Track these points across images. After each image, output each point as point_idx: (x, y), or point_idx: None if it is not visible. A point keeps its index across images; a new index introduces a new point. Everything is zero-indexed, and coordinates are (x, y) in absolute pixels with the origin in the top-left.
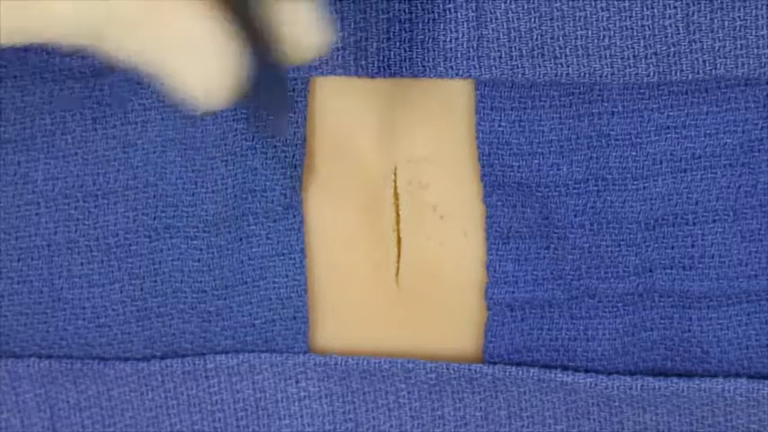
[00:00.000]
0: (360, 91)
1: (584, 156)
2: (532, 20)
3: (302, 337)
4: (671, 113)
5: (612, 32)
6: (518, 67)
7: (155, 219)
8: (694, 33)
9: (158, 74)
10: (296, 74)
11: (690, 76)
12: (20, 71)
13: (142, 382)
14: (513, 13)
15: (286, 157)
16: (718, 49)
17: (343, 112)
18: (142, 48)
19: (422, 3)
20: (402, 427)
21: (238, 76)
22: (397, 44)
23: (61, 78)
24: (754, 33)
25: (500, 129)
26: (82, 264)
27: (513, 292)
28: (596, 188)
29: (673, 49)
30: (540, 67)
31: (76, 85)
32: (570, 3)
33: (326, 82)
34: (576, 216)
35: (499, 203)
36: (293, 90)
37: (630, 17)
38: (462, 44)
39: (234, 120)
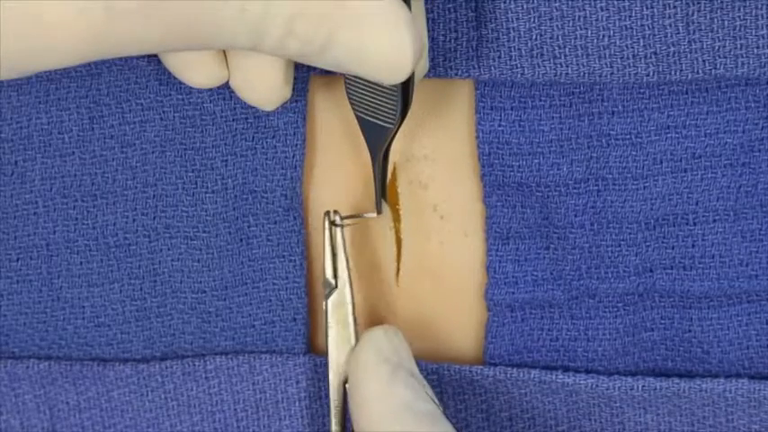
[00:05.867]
0: None
1: (584, 156)
2: (532, 20)
3: (302, 338)
4: (671, 113)
5: (612, 32)
6: (517, 67)
7: (154, 219)
8: (694, 33)
9: (349, 56)
10: (297, 73)
11: (690, 76)
12: None
13: (142, 384)
14: (512, 12)
15: (286, 157)
16: (718, 49)
17: (344, 112)
18: (333, 33)
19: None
20: None
21: (419, 46)
22: None
23: (57, 77)
24: (754, 33)
25: (500, 129)
26: (81, 263)
27: (514, 293)
28: (596, 188)
29: (672, 49)
30: (539, 66)
31: (72, 85)
32: (570, 3)
33: (326, 82)
34: (576, 216)
35: (499, 203)
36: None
37: (630, 17)
38: (462, 44)
39: (234, 120)
